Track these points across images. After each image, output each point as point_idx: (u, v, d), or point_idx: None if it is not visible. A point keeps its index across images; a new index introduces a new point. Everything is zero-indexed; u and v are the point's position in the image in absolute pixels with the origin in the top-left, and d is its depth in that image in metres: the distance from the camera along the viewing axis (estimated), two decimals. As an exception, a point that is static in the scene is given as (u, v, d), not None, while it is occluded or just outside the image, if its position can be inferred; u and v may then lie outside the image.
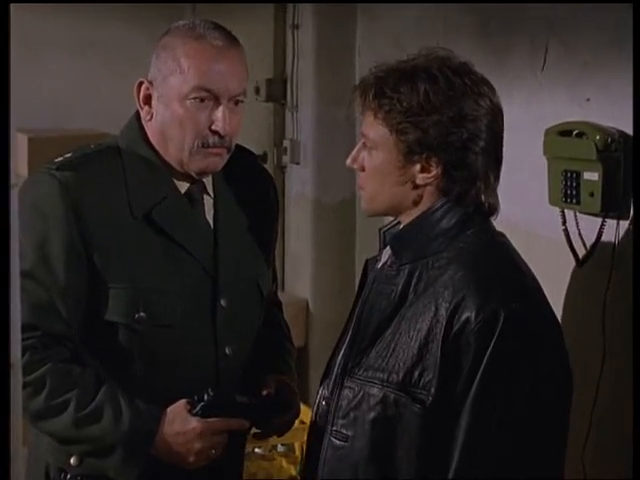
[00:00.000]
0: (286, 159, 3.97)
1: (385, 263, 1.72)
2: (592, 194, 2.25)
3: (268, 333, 2.03)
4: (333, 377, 1.73)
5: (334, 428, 1.67)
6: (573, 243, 2.39)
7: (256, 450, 3.31)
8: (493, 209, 1.68)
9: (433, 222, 1.65)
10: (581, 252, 2.38)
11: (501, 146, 1.68)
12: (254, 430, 1.94)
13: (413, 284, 1.64)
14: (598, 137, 2.21)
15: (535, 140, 2.39)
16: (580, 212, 2.35)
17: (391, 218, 1.77)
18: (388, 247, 1.72)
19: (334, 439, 1.67)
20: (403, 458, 1.59)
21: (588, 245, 2.36)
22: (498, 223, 1.71)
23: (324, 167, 3.75)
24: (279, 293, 2.24)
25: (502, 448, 1.55)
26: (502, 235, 1.71)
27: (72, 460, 1.79)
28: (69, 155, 1.84)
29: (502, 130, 1.67)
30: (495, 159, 1.66)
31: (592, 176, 2.24)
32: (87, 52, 3.85)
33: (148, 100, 1.83)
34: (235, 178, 1.94)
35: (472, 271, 1.59)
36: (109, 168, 1.83)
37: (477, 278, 1.58)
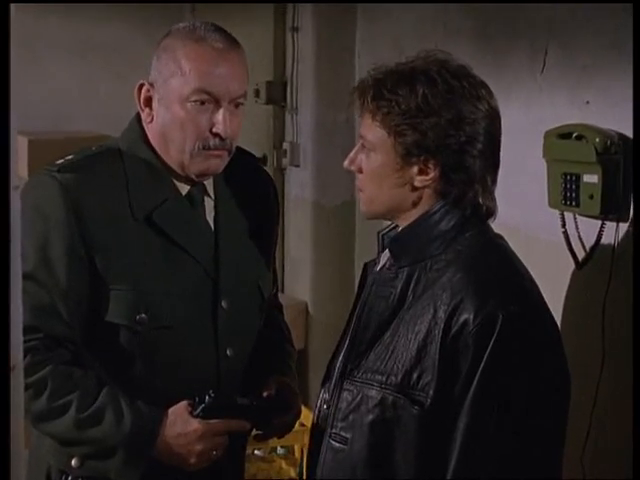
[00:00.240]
0: (286, 161, 3.97)
1: (384, 266, 1.72)
2: (592, 196, 2.25)
3: (269, 335, 2.03)
4: (333, 380, 1.73)
5: (333, 431, 1.67)
6: (573, 245, 2.39)
7: (256, 452, 3.32)
8: (491, 212, 1.68)
9: (431, 224, 1.65)
10: (580, 254, 2.38)
11: (499, 149, 1.68)
12: (255, 432, 1.94)
13: (412, 286, 1.64)
14: (597, 140, 2.21)
15: (535, 143, 2.40)
16: (579, 214, 2.35)
17: (389, 222, 1.78)
18: (387, 250, 1.72)
19: (333, 441, 1.67)
20: (401, 460, 1.59)
21: (587, 247, 2.36)
22: (497, 225, 1.72)
23: (324, 169, 3.75)
24: (279, 295, 2.24)
25: (500, 450, 1.55)
26: (500, 237, 1.71)
27: (73, 462, 1.79)
28: (70, 157, 1.84)
29: (500, 133, 1.68)
30: (493, 162, 1.67)
31: (591, 179, 2.24)
32: (87, 54, 3.86)
33: (149, 102, 1.83)
34: (236, 180, 1.94)
35: (470, 273, 1.59)
36: (110, 170, 1.83)
37: (475, 280, 1.58)
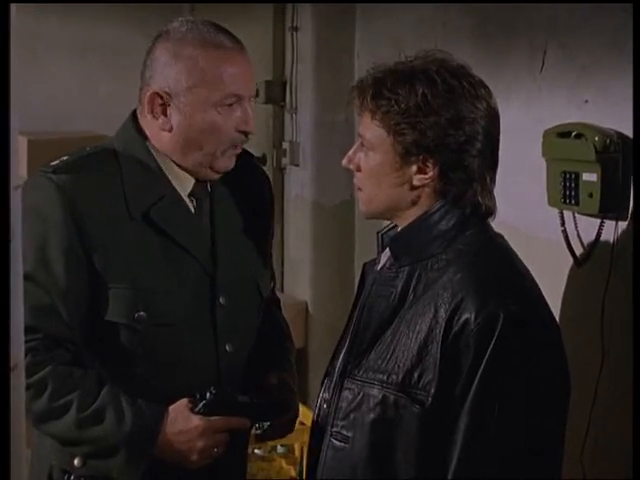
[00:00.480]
0: (285, 161, 3.97)
1: (384, 265, 1.72)
2: (591, 195, 2.25)
3: (267, 331, 2.04)
4: (333, 380, 1.73)
5: (334, 429, 1.67)
6: (572, 244, 2.39)
7: (256, 451, 3.32)
8: (490, 211, 1.69)
9: (431, 224, 1.65)
10: (580, 253, 2.38)
11: (497, 148, 1.68)
12: (255, 431, 1.95)
13: (412, 286, 1.65)
14: (597, 138, 2.21)
15: (534, 142, 2.40)
16: (579, 213, 2.35)
17: (388, 222, 1.78)
18: (387, 249, 1.73)
19: (334, 440, 1.67)
20: (402, 459, 1.59)
21: (587, 246, 2.36)
22: (497, 224, 1.72)
23: (323, 169, 3.75)
24: (279, 294, 2.25)
25: (501, 448, 1.55)
26: (500, 236, 1.72)
27: (76, 461, 1.80)
28: (65, 158, 1.85)
29: (498, 133, 1.68)
30: (491, 161, 1.67)
31: (591, 177, 2.25)
32: (86, 55, 3.86)
33: (164, 111, 1.84)
34: (231, 178, 1.95)
35: (471, 272, 1.60)
36: (105, 170, 1.84)
37: (476, 279, 1.59)
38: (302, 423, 3.10)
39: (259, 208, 2.03)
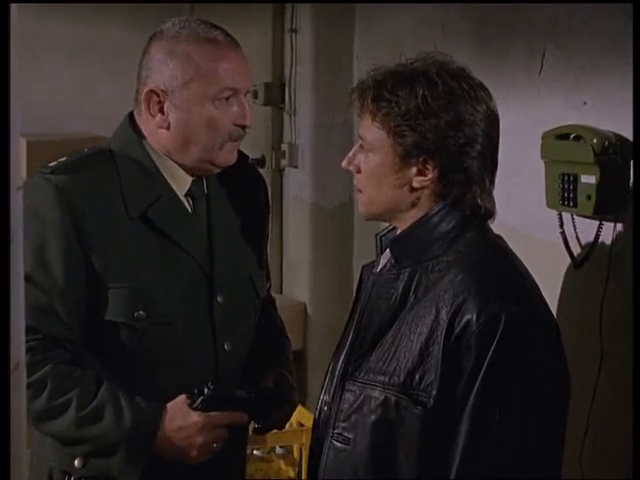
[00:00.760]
0: (284, 163, 3.97)
1: (384, 267, 1.73)
2: (589, 197, 2.25)
3: (264, 329, 2.06)
4: (334, 382, 1.73)
5: (336, 431, 1.67)
6: (570, 246, 2.39)
7: (254, 452, 3.32)
8: (490, 213, 1.69)
9: (432, 226, 1.66)
10: (578, 254, 2.39)
11: (497, 151, 1.69)
12: (253, 426, 1.96)
13: (413, 288, 1.65)
14: (595, 140, 2.22)
15: (532, 144, 2.40)
16: (577, 215, 2.36)
17: (387, 224, 1.78)
18: (387, 251, 1.73)
19: (335, 442, 1.67)
20: (404, 460, 1.59)
21: (585, 247, 2.37)
22: (496, 226, 1.72)
23: (322, 171, 3.75)
24: (278, 296, 2.25)
25: (502, 450, 1.55)
26: (500, 238, 1.72)
27: (76, 462, 1.80)
28: (62, 159, 1.86)
29: (498, 135, 1.69)
30: (491, 163, 1.67)
31: (589, 179, 2.25)
32: (85, 55, 3.85)
33: (161, 109, 1.84)
34: (227, 178, 1.96)
35: (472, 274, 1.60)
36: (103, 170, 1.85)
37: (477, 281, 1.59)
38: (301, 424, 3.10)
39: (254, 208, 2.05)
